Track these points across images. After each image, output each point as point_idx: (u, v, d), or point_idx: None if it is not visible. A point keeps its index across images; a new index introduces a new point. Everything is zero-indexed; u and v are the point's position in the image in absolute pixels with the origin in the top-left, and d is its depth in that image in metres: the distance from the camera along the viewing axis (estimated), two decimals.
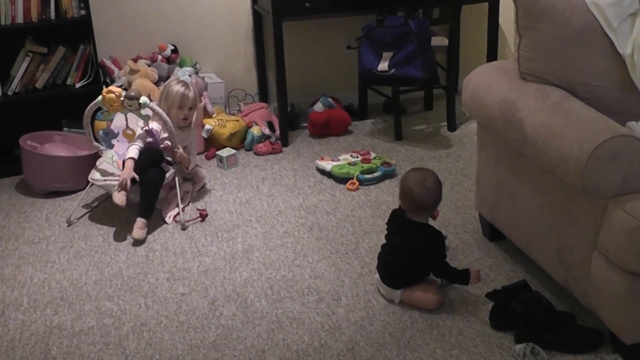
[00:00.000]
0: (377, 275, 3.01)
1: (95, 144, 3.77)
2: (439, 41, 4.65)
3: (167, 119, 3.58)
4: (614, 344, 2.56)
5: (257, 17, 4.79)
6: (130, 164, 3.53)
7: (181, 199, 3.71)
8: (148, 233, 3.53)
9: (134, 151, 3.57)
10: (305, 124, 4.76)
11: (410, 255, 2.88)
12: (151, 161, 3.61)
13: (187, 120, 3.77)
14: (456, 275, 2.92)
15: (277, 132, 4.57)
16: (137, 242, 3.47)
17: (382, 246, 3.04)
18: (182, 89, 3.72)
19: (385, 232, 3.04)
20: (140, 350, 2.72)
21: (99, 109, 3.68)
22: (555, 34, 2.80)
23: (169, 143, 3.66)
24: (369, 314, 2.88)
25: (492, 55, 4.84)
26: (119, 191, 3.47)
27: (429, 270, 2.95)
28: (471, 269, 2.93)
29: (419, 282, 2.93)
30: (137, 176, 3.51)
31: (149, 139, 3.63)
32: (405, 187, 2.89)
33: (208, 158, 4.38)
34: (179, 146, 3.69)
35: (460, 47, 4.97)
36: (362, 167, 4.03)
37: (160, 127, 3.68)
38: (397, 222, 2.99)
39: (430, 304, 2.89)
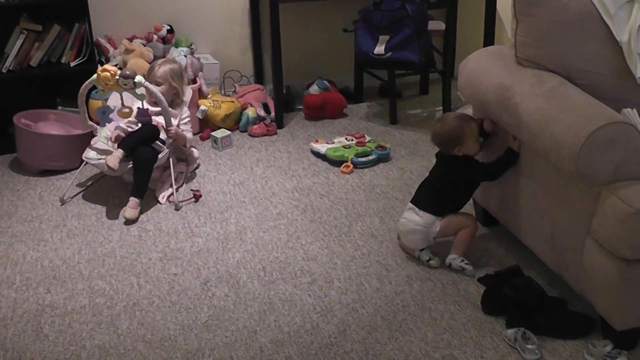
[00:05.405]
0: (403, 217, 3.09)
1: (90, 122, 3.76)
2: (436, 25, 4.63)
3: (162, 97, 3.57)
4: (604, 329, 2.58)
5: None
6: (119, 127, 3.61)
7: (175, 180, 3.70)
8: (141, 213, 3.53)
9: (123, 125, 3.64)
10: (301, 106, 4.75)
11: (456, 183, 3.02)
12: (144, 138, 3.61)
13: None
14: (505, 162, 2.94)
15: (272, 114, 4.55)
16: (129, 222, 3.46)
17: (430, 173, 3.14)
18: (157, 61, 3.81)
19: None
20: (132, 330, 2.73)
21: (94, 87, 3.67)
22: (553, 19, 2.79)
23: (162, 122, 3.66)
24: (361, 296, 2.89)
25: (488, 40, 4.81)
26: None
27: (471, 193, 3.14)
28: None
29: (457, 211, 3.09)
30: (123, 134, 3.56)
31: (145, 118, 3.63)
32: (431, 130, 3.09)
33: (202, 139, 4.37)
34: (173, 124, 3.68)
35: (457, 31, 4.96)
36: (357, 150, 4.03)
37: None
38: (441, 153, 3.09)
39: (470, 225, 3.04)
